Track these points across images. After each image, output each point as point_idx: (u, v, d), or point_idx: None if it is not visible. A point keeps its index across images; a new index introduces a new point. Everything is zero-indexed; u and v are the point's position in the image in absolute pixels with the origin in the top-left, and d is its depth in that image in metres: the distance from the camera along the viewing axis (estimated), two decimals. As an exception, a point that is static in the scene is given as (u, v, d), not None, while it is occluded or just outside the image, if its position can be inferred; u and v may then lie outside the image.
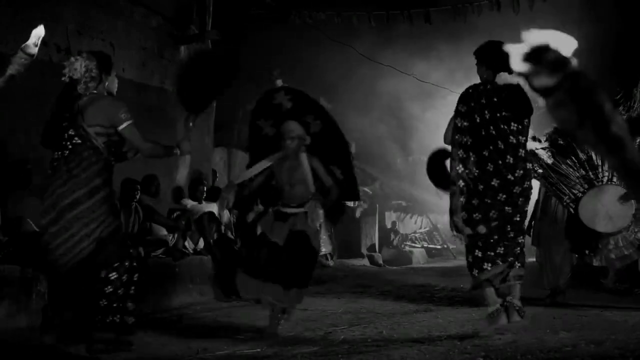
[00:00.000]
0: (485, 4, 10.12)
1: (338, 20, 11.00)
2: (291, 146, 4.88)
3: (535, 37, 1.11)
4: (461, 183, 4.50)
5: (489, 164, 4.42)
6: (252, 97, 14.05)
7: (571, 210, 6.22)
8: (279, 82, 5.56)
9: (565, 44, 1.10)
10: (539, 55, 1.10)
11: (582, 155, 6.13)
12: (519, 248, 4.52)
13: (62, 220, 3.73)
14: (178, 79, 4.68)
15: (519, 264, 4.51)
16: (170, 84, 8.98)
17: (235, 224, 7.64)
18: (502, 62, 4.34)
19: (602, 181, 6.08)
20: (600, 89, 1.06)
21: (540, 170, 6.24)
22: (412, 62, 13.82)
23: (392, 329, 4.99)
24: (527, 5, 9.59)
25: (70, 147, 3.82)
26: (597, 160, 6.11)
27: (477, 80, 4.67)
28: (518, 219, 4.51)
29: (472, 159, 4.47)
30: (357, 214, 11.24)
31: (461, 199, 4.48)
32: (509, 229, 4.45)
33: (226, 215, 7.82)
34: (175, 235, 7.12)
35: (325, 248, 5.18)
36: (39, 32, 3.62)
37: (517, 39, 1.16)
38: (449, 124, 4.68)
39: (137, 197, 6.90)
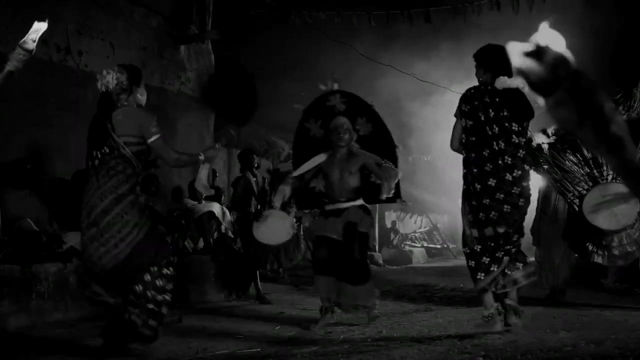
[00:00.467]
0: (485, 3, 10.12)
1: (338, 20, 11.00)
2: (343, 138, 5.15)
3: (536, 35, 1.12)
4: (464, 185, 4.54)
5: (488, 163, 4.45)
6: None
7: (575, 207, 6.22)
8: (336, 86, 5.67)
9: (553, 41, 1.10)
10: (539, 55, 1.10)
11: (587, 153, 6.12)
12: (515, 248, 4.54)
13: (97, 227, 3.92)
14: (212, 96, 4.96)
15: (519, 264, 4.53)
16: (169, 83, 8.98)
17: (234, 223, 7.64)
18: (502, 66, 4.40)
19: (606, 179, 6.08)
20: (600, 89, 1.06)
21: (546, 166, 6.24)
22: (412, 62, 13.82)
23: (392, 329, 4.99)
24: (527, 4, 9.60)
25: (99, 156, 3.96)
26: (602, 158, 6.11)
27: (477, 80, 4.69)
28: (519, 220, 4.53)
29: (472, 158, 4.50)
30: (305, 218, 11.31)
31: (468, 200, 4.54)
32: (511, 231, 4.47)
33: (227, 215, 7.82)
34: (175, 235, 7.12)
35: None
36: (38, 27, 3.62)
37: (517, 38, 1.16)
38: (455, 128, 4.68)
39: None
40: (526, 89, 4.26)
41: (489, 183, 4.43)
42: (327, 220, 5.15)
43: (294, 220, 7.04)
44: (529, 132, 4.81)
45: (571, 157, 6.16)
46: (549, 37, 1.11)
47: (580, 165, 6.14)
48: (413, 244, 17.21)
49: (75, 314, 5.55)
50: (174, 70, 9.21)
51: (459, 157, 4.80)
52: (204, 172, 4.41)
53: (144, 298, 3.93)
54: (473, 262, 4.54)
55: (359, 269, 5.02)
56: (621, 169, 1.14)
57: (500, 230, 4.45)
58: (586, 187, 6.10)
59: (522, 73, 1.09)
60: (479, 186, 4.47)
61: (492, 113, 4.47)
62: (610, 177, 6.06)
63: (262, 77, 13.72)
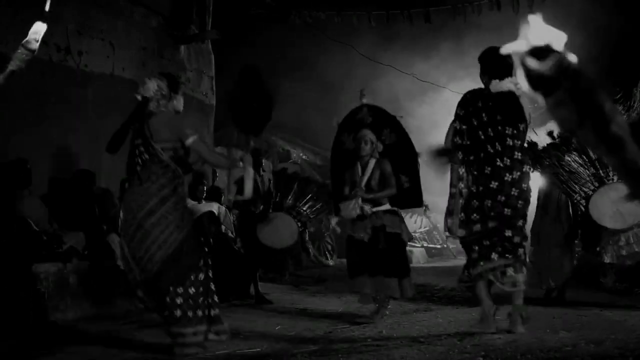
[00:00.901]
0: (485, 3, 10.12)
1: (338, 20, 11.00)
2: (365, 149, 5.57)
3: (528, 31, 1.12)
4: (461, 185, 4.57)
5: (487, 166, 4.48)
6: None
7: (582, 207, 6.22)
8: (364, 100, 6.11)
9: (556, 38, 1.10)
10: (540, 55, 1.10)
11: (593, 154, 6.11)
12: (521, 251, 4.54)
13: (143, 229, 4.07)
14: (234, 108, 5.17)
15: (517, 267, 4.53)
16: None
17: (235, 223, 7.64)
18: (496, 69, 4.44)
19: (612, 179, 6.08)
20: (600, 89, 1.06)
21: (549, 167, 6.26)
22: (412, 62, 13.82)
23: (392, 329, 4.99)
24: (527, 4, 9.59)
25: (141, 163, 4.15)
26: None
27: (478, 79, 4.73)
28: (520, 223, 4.55)
29: (470, 160, 4.53)
30: (333, 223, 11.32)
31: (460, 201, 4.55)
32: (510, 234, 4.49)
33: (227, 215, 7.81)
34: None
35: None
36: (39, 28, 3.63)
37: (517, 38, 1.16)
38: (449, 129, 4.72)
39: None
40: (520, 92, 4.31)
41: (492, 185, 4.46)
42: (356, 223, 5.53)
43: (299, 224, 7.08)
44: (529, 136, 4.86)
45: (577, 158, 6.17)
46: (551, 34, 1.11)
47: (586, 166, 6.15)
48: (413, 244, 17.19)
49: (75, 314, 5.55)
50: (174, 70, 9.19)
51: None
52: (249, 185, 4.74)
53: (184, 300, 4.08)
54: (475, 252, 4.55)
55: (391, 265, 5.39)
56: (621, 169, 1.14)
57: (493, 225, 4.46)
58: (592, 187, 6.10)
59: (523, 73, 1.09)
60: (481, 188, 4.49)
61: (486, 117, 4.51)
62: (616, 177, 6.06)
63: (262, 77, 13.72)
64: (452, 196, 4.68)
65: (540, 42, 1.11)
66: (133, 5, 8.47)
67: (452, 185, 4.66)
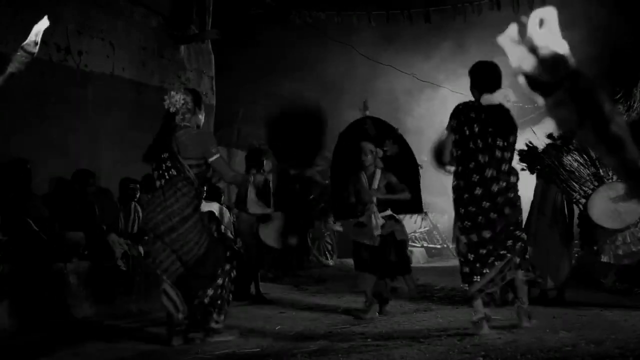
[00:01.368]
0: (485, 3, 10.12)
1: (338, 19, 11.00)
2: (366, 160, 5.87)
3: (531, 32, 1.12)
4: (453, 195, 4.72)
5: (475, 175, 4.59)
6: (251, 97, 14.09)
7: (580, 207, 6.23)
8: (367, 113, 6.62)
9: (556, 46, 1.11)
10: (539, 56, 1.10)
11: (593, 154, 6.12)
12: (512, 254, 4.63)
13: (162, 242, 4.31)
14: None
15: (519, 268, 4.65)
16: (169, 83, 8.98)
17: (235, 223, 7.64)
18: (486, 83, 4.59)
19: (612, 178, 6.08)
20: (600, 89, 1.06)
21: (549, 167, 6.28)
22: (412, 62, 13.81)
23: (392, 329, 4.99)
24: (527, 4, 9.59)
25: (167, 177, 4.30)
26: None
27: None
28: (509, 227, 4.64)
29: (459, 170, 4.66)
30: (335, 226, 11.46)
31: (456, 209, 4.71)
32: (503, 237, 4.59)
33: (227, 215, 7.82)
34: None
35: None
36: (39, 28, 3.63)
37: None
38: (445, 143, 4.80)
39: (137, 196, 6.90)
40: (510, 105, 4.37)
41: (476, 192, 4.58)
42: (362, 229, 5.81)
43: (301, 225, 7.09)
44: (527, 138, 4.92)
45: (578, 157, 6.18)
46: (552, 40, 1.11)
47: (586, 166, 6.15)
48: (413, 244, 17.20)
49: (75, 313, 5.55)
50: (174, 70, 9.20)
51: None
52: (252, 194, 5.16)
53: (206, 305, 4.38)
54: (467, 268, 4.68)
55: (396, 267, 5.78)
56: (621, 169, 1.14)
57: (487, 235, 4.58)
58: (592, 186, 6.11)
59: (523, 73, 1.09)
60: (466, 195, 4.62)
61: (477, 128, 4.61)
62: (615, 177, 6.07)
63: (262, 77, 13.71)
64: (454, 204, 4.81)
65: (541, 44, 1.11)
66: (133, 5, 8.47)
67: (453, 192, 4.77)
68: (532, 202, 6.94)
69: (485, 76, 4.65)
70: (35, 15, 3.67)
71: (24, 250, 5.30)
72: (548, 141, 6.50)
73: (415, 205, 6.30)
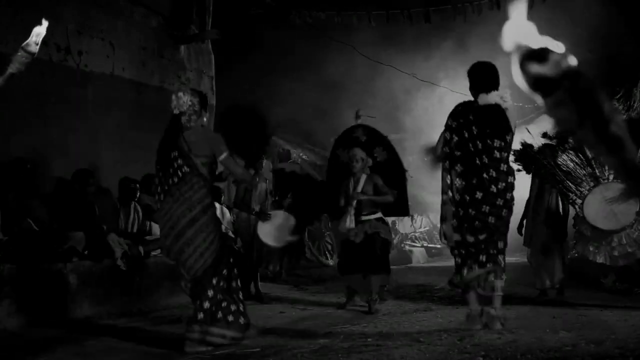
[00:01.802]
0: (485, 3, 10.12)
1: (338, 19, 10.99)
2: (356, 166, 6.23)
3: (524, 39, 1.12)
4: (450, 193, 4.74)
5: (474, 176, 4.64)
6: (251, 97, 14.07)
7: (576, 208, 6.24)
8: (359, 121, 7.03)
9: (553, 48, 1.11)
10: (539, 56, 1.10)
11: (589, 153, 6.12)
12: (500, 258, 4.73)
13: (184, 237, 4.30)
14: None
15: (497, 274, 4.71)
16: (169, 83, 8.98)
17: (235, 222, 7.63)
18: (483, 83, 4.67)
19: (607, 178, 6.08)
20: (600, 89, 1.06)
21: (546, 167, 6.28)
22: (412, 62, 13.80)
23: (392, 328, 4.99)
24: (527, 4, 9.57)
25: (180, 175, 4.34)
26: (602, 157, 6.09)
27: None
28: (503, 229, 4.73)
29: (458, 171, 4.69)
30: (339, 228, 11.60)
31: (452, 208, 4.72)
32: (494, 238, 4.68)
33: (227, 214, 7.82)
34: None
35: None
36: (39, 31, 3.64)
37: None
38: (439, 138, 4.88)
39: (137, 196, 6.90)
40: (506, 105, 4.41)
41: (476, 196, 4.63)
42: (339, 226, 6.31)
43: (299, 223, 7.08)
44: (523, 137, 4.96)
45: (574, 157, 6.18)
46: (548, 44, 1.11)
47: (582, 166, 6.16)
48: (413, 243, 17.19)
49: (74, 313, 5.55)
50: (174, 70, 9.21)
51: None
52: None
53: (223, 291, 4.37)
54: (459, 259, 4.76)
55: (380, 262, 6.08)
56: (621, 169, 1.14)
57: (482, 237, 4.66)
58: (588, 187, 6.11)
59: (523, 73, 1.09)
60: (467, 197, 4.66)
61: (476, 130, 4.67)
62: (611, 177, 6.07)
63: (262, 77, 13.71)
64: (444, 203, 4.83)
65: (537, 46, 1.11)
66: (133, 5, 8.47)
67: (443, 192, 4.79)
68: (527, 202, 6.96)
69: (483, 77, 4.73)
70: (35, 15, 3.68)
71: (24, 250, 5.29)
72: (543, 141, 6.51)
73: (402, 208, 6.74)
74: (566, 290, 6.83)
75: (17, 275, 5.12)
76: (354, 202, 6.14)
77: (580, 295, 6.73)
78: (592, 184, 6.10)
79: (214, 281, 4.30)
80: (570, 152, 6.22)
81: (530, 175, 6.81)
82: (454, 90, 13.82)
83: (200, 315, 4.26)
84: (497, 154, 4.64)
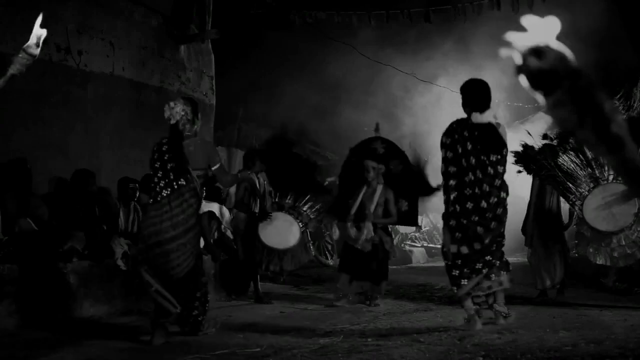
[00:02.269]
0: (485, 3, 10.11)
1: (338, 19, 10.99)
2: (368, 176, 6.56)
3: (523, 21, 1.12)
4: (445, 207, 4.94)
5: (468, 189, 4.78)
6: (251, 97, 14.05)
7: (576, 209, 6.24)
8: (377, 133, 7.07)
9: (549, 26, 1.11)
10: (540, 54, 1.10)
11: (589, 154, 6.12)
12: (497, 261, 4.85)
13: (162, 248, 4.40)
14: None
15: (496, 275, 4.83)
16: (169, 83, 8.98)
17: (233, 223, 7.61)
18: (477, 102, 4.79)
19: (607, 179, 6.08)
20: (600, 88, 1.06)
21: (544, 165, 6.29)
22: (413, 62, 13.81)
23: (392, 328, 4.99)
24: (527, 4, 9.58)
25: (175, 187, 4.41)
26: (602, 158, 6.11)
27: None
28: (497, 239, 4.87)
29: (452, 185, 4.84)
30: (335, 236, 11.76)
31: (447, 221, 4.94)
32: (487, 248, 4.81)
33: (227, 214, 7.80)
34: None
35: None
36: (39, 33, 3.64)
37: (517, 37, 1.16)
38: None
39: (137, 196, 6.89)
40: (498, 123, 4.51)
41: (467, 206, 4.78)
42: (355, 236, 6.55)
43: (301, 224, 7.08)
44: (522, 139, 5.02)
45: (574, 158, 6.18)
46: (544, 22, 1.11)
47: (582, 167, 6.16)
48: (413, 243, 17.20)
49: (74, 313, 5.55)
50: (174, 70, 9.20)
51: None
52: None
53: (199, 301, 4.62)
54: (457, 271, 4.85)
55: (379, 273, 6.55)
56: (621, 169, 1.13)
57: (477, 247, 4.78)
58: (587, 188, 6.11)
59: (523, 73, 1.09)
60: (458, 207, 4.81)
61: (470, 146, 4.79)
62: (611, 177, 6.07)
63: (262, 77, 13.71)
64: (442, 217, 5.05)
65: (534, 33, 1.11)
66: (133, 4, 8.46)
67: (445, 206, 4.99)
68: (529, 203, 6.96)
69: (476, 95, 4.85)
70: (35, 16, 3.67)
71: (24, 250, 5.29)
72: (543, 141, 6.51)
73: (411, 219, 7.04)
74: (566, 290, 6.83)
75: (17, 275, 5.12)
76: (369, 221, 6.49)
77: (580, 295, 6.73)
78: (591, 185, 6.10)
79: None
80: (571, 152, 6.22)
81: (530, 176, 6.81)
82: (453, 90, 13.81)
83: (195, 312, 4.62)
84: (491, 170, 4.78)
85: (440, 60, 13.96)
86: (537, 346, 3.98)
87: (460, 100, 4.94)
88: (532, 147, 6.49)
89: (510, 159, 5.73)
